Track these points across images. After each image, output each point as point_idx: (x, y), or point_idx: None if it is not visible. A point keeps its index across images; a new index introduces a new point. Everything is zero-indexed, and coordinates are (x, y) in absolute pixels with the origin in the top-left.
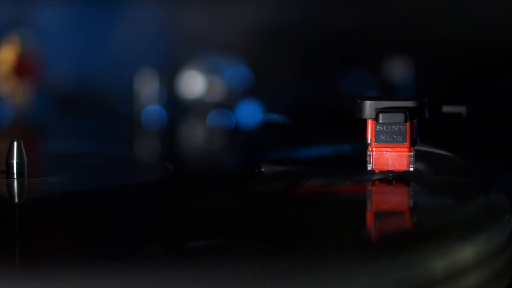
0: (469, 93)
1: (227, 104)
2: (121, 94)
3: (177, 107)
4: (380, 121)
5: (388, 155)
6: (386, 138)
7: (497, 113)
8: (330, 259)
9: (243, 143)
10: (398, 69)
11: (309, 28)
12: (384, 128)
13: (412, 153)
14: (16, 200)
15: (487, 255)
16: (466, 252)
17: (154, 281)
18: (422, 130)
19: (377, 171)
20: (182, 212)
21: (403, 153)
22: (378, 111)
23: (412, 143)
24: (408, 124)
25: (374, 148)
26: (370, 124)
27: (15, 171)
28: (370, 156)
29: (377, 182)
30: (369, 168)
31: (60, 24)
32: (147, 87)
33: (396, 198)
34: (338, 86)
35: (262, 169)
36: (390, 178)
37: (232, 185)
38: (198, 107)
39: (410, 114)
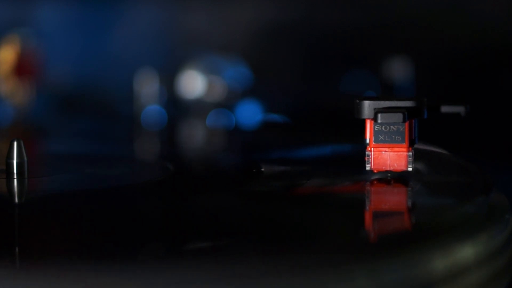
0: (469, 93)
1: (227, 104)
2: (121, 94)
3: (177, 107)
4: (379, 121)
5: (387, 155)
6: (385, 138)
7: (497, 113)
8: (330, 259)
9: (243, 143)
10: (398, 69)
11: (309, 28)
12: (383, 128)
13: (410, 153)
14: (16, 200)
15: (487, 255)
16: (466, 252)
17: (154, 281)
18: (421, 130)
19: (375, 171)
20: (182, 212)
21: (402, 153)
22: (377, 111)
23: (411, 143)
24: (406, 124)
25: (372, 148)
26: (368, 124)
27: (15, 171)
28: (368, 156)
29: (376, 182)
30: (367, 168)
31: (60, 24)
32: (147, 87)
33: (396, 198)
34: (338, 86)
35: (262, 169)
36: (389, 178)
37: (232, 185)
38: (198, 107)
39: (408, 114)
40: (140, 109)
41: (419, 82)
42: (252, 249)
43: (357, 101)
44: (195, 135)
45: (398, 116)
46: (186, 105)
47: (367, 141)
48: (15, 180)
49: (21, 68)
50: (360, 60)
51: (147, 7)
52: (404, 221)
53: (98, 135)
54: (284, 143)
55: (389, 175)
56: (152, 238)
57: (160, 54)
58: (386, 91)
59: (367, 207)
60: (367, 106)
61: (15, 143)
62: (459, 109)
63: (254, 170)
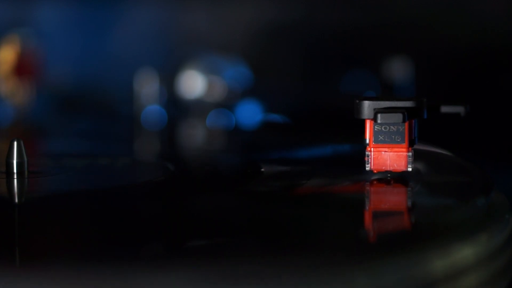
0: (469, 93)
1: (227, 104)
2: (121, 94)
3: (177, 107)
4: (379, 121)
5: (387, 155)
6: (385, 138)
7: (497, 113)
8: (330, 259)
9: (243, 143)
10: (398, 69)
11: (309, 28)
12: (383, 128)
13: (410, 153)
14: (16, 200)
15: (487, 255)
16: (466, 252)
17: (154, 281)
18: (421, 130)
19: (375, 171)
20: (182, 212)
21: (401, 153)
22: (377, 111)
23: (411, 143)
24: (406, 124)
25: (372, 148)
26: (368, 124)
27: (15, 170)
28: (368, 156)
29: (376, 182)
30: (367, 169)
31: (60, 24)
32: (147, 87)
33: (396, 198)
34: (338, 86)
35: (262, 169)
36: (389, 178)
37: (232, 185)
38: (198, 107)
39: (408, 114)
40: (140, 109)
41: (419, 82)
42: (252, 249)
43: (357, 101)
44: (195, 135)
45: (398, 116)
46: (186, 105)
47: (367, 141)
48: (15, 180)
49: (21, 68)
50: (360, 60)
51: (147, 7)
52: (404, 221)
53: (98, 135)
54: (284, 143)
55: (389, 175)
56: (152, 238)
57: (160, 54)
58: (386, 91)
59: (367, 207)
60: (367, 106)
61: (15, 143)
62: (459, 109)
63: (249, 171)
